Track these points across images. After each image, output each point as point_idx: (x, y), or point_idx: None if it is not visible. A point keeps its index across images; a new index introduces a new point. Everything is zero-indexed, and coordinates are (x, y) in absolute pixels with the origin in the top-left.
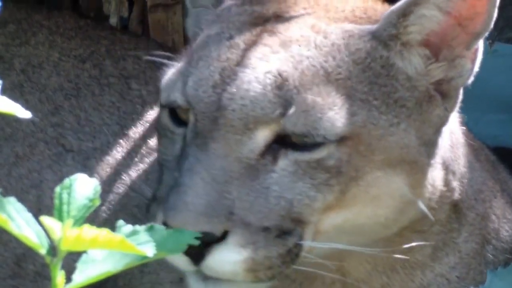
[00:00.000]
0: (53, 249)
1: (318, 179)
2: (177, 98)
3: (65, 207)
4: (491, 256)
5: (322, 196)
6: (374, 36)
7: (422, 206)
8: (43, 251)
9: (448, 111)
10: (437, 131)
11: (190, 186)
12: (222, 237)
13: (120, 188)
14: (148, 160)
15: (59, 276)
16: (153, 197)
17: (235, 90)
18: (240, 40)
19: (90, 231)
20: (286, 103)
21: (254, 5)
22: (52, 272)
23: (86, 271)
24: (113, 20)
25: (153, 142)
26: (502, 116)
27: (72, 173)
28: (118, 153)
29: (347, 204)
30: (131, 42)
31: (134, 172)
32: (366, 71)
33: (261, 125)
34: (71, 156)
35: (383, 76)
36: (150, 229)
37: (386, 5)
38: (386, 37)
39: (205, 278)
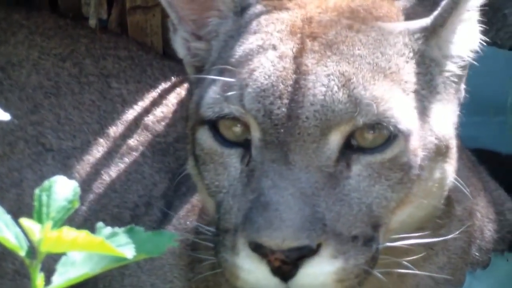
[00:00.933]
0: (32, 251)
1: (393, 179)
2: (234, 110)
3: (44, 209)
4: (475, 256)
5: (396, 196)
6: (418, 30)
7: (462, 185)
8: (22, 253)
9: (462, 81)
10: (458, 108)
11: (281, 203)
12: (315, 250)
13: (100, 188)
14: (128, 160)
15: (39, 278)
16: (222, 230)
17: (303, 97)
18: (287, 49)
19: (69, 233)
20: (356, 101)
21: (281, 13)
22: (31, 274)
23: (65, 273)
24: (92, 22)
25: (133, 141)
26: (480, 118)
27: (52, 172)
28: (98, 152)
29: (410, 200)
30: (111, 41)
31: (114, 172)
32: (408, 61)
33: (333, 128)
34: (51, 155)
35: (422, 64)
36: (129, 231)
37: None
38: (432, 27)
39: None
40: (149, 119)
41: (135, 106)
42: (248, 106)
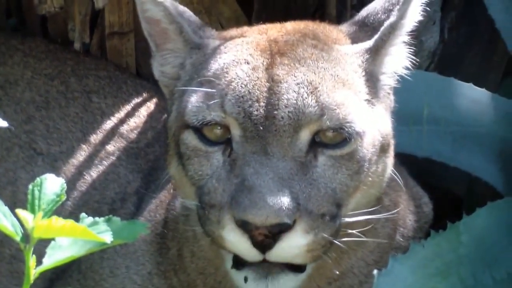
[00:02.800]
0: (26, 236)
1: (352, 169)
2: (215, 116)
3: (36, 202)
4: (399, 241)
5: (354, 184)
6: (364, 51)
7: (397, 176)
8: (17, 238)
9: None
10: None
11: (263, 186)
12: (291, 226)
13: (82, 186)
14: (106, 162)
15: (31, 260)
16: (207, 205)
17: (278, 101)
18: (259, 63)
19: (58, 222)
20: (322, 106)
21: (244, 38)
22: (25, 256)
23: (54, 256)
24: (77, 45)
25: (110, 147)
26: (402, 127)
27: (42, 173)
28: (81, 156)
29: (362, 187)
30: (92, 63)
31: (94, 173)
32: (360, 77)
33: (304, 127)
34: (41, 158)
35: (369, 79)
36: (108, 220)
37: (329, 25)
38: (374, 48)
39: (266, 275)
40: (124, 128)
41: (112, 118)
42: (229, 110)
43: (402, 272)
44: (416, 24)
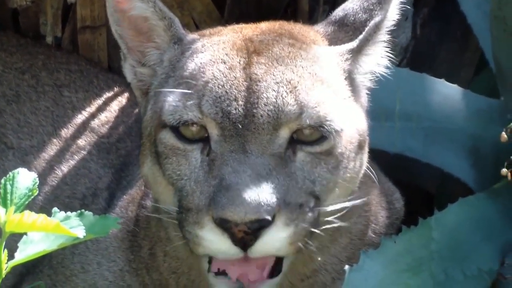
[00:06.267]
0: None
1: (330, 164)
2: (193, 116)
3: (8, 196)
4: (371, 237)
5: (333, 178)
6: (347, 51)
7: (372, 172)
8: None
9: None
10: None
11: (241, 184)
12: (271, 221)
13: (53, 181)
14: (77, 157)
15: (3, 254)
16: (185, 209)
17: (257, 99)
18: (235, 62)
19: (30, 216)
20: (301, 104)
21: (220, 37)
22: None
23: (26, 250)
24: (49, 39)
25: (81, 142)
26: (374, 123)
27: (13, 166)
28: (52, 150)
29: (342, 181)
30: (63, 57)
31: (65, 167)
32: (339, 76)
33: (283, 125)
34: (12, 153)
35: (348, 78)
36: (80, 215)
37: (304, 26)
38: (358, 48)
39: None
40: (95, 122)
41: (83, 112)
42: (206, 111)
43: (373, 268)
44: (393, 22)
